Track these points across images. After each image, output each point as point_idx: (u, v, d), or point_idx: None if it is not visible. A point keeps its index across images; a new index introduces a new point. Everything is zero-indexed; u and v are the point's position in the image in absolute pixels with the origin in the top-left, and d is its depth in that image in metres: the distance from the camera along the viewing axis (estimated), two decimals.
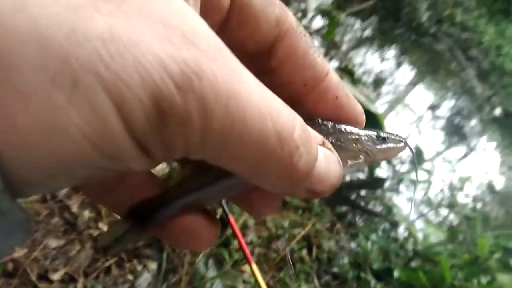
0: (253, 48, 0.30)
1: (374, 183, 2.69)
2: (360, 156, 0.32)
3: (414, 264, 2.44)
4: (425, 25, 6.17)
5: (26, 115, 0.16)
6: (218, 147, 0.20)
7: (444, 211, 3.30)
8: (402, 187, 3.15)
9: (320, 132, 0.27)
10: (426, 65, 5.76)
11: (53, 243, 1.58)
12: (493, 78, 6.36)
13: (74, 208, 1.70)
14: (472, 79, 5.95)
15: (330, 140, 0.30)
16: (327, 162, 0.25)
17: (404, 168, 3.22)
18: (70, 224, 1.67)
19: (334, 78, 0.31)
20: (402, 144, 0.33)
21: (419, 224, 2.94)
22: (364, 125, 0.33)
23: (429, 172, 3.04)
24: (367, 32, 5.14)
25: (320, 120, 0.32)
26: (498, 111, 5.69)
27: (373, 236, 2.52)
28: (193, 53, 0.18)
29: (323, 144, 0.26)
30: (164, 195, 0.30)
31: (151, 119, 0.18)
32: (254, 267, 1.12)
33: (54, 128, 0.17)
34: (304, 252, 2.27)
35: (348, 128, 0.32)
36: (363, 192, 2.94)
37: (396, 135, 0.34)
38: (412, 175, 3.11)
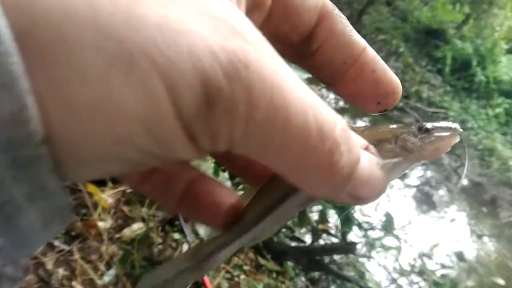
0: (296, 39, 0.30)
1: (346, 247, 2.74)
2: (405, 156, 0.28)
3: None
4: None
5: (83, 93, 0.17)
6: (260, 139, 0.20)
7: (415, 278, 3.34)
8: (374, 253, 3.21)
9: (368, 139, 0.27)
10: None
11: None
12: (459, 150, 6.67)
13: (49, 265, 1.71)
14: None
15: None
16: (370, 166, 0.24)
17: (375, 234, 3.29)
18: (44, 281, 1.66)
19: (370, 52, 0.31)
20: (451, 132, 0.28)
21: None
22: (399, 97, 0.32)
23: (399, 239, 3.12)
24: (341, 103, 5.42)
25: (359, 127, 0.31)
26: (465, 182, 5.90)
27: None
28: (241, 43, 0.19)
29: (366, 148, 0.25)
30: (224, 234, 0.30)
31: (199, 103, 0.18)
32: None
33: (109, 106, 0.17)
34: None
35: (384, 127, 0.31)
36: (336, 257, 2.98)
37: (443, 123, 0.30)
38: (384, 241, 3.18)
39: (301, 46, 0.31)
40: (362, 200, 0.25)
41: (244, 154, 0.22)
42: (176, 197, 0.33)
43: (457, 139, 0.29)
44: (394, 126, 0.31)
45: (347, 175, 0.23)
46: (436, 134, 0.29)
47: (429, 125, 0.29)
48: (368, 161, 0.24)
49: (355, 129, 0.28)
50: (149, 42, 0.17)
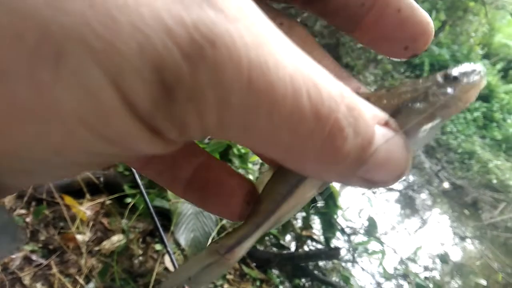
0: None
1: (330, 253, 2.75)
2: (437, 114, 0.24)
3: None
4: None
5: (5, 96, 0.14)
6: (241, 126, 0.17)
7: (400, 282, 3.36)
8: (358, 258, 3.23)
9: (385, 107, 0.23)
10: None
11: None
12: (439, 154, 6.79)
13: (26, 280, 1.67)
14: (420, 155, 6.33)
15: (397, 116, 0.23)
16: (388, 147, 0.21)
17: (359, 238, 3.31)
18: None
19: None
20: (479, 74, 0.25)
21: None
22: (432, 36, 0.28)
23: (382, 244, 3.14)
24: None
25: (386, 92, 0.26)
26: (446, 185, 5.99)
27: None
28: (207, 12, 0.15)
29: (386, 124, 0.21)
30: (244, 225, 0.29)
31: (155, 95, 0.15)
32: None
33: (40, 109, 0.14)
34: None
35: (405, 86, 0.26)
36: (320, 263, 2.99)
37: (466, 66, 0.26)
38: (368, 245, 3.20)
39: None
40: (379, 184, 0.22)
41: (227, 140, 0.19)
42: (183, 183, 0.30)
43: (485, 81, 0.25)
44: (414, 82, 0.26)
45: (355, 160, 0.20)
46: (465, 80, 0.25)
47: (455, 71, 0.25)
48: (385, 140, 0.21)
49: (371, 96, 0.25)
50: (78, 23, 0.13)
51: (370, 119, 0.20)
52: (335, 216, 2.86)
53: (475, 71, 0.25)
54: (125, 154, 0.18)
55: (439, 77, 0.25)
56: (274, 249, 2.85)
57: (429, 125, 0.24)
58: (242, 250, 0.29)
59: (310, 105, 0.17)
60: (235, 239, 0.29)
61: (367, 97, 0.23)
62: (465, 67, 0.25)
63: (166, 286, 0.31)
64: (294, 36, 0.26)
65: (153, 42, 0.14)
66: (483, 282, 3.99)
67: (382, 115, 0.21)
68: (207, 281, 0.30)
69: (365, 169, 0.20)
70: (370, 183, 0.21)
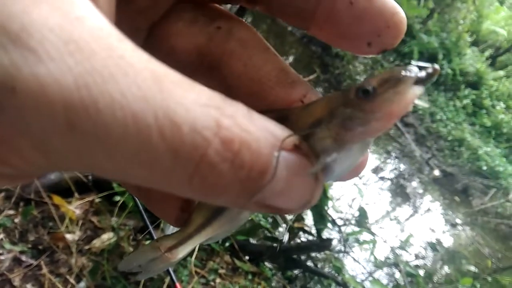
0: None
1: (322, 244, 2.76)
2: (349, 138, 0.21)
3: None
4: None
5: None
6: (83, 165, 0.16)
7: (391, 270, 3.40)
8: (349, 248, 3.26)
9: (301, 126, 0.20)
10: None
11: None
12: (430, 142, 6.83)
13: (16, 282, 1.66)
14: (410, 143, 6.37)
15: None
16: (289, 172, 0.19)
17: (351, 229, 3.33)
18: None
19: None
20: (404, 81, 0.19)
21: (369, 284, 3.01)
22: (403, 28, 0.24)
23: (373, 233, 3.17)
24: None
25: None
26: (437, 172, 6.05)
27: None
28: (10, 55, 0.14)
29: (295, 148, 0.19)
30: (181, 231, 0.29)
31: None
32: None
33: None
34: None
35: (321, 100, 0.23)
36: (312, 254, 3.01)
37: (390, 72, 0.20)
38: (359, 236, 3.23)
39: None
40: (284, 211, 0.20)
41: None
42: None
43: (420, 90, 0.19)
44: (332, 94, 0.22)
45: (244, 191, 0.18)
46: (382, 94, 0.20)
47: (368, 84, 0.20)
48: (285, 166, 0.18)
49: (292, 114, 0.23)
50: None
51: (265, 146, 0.18)
52: (326, 208, 2.87)
53: (399, 79, 0.19)
54: None
55: (351, 91, 0.21)
56: (267, 242, 2.87)
57: (344, 150, 0.21)
58: (182, 251, 0.29)
59: (163, 144, 0.16)
60: (174, 241, 0.29)
61: (287, 115, 0.22)
62: (386, 75, 0.20)
63: (120, 268, 0.32)
64: (233, 40, 0.26)
65: None
66: (473, 268, 4.05)
67: (290, 139, 0.19)
68: (155, 272, 0.31)
69: (262, 197, 0.19)
70: (272, 210, 0.20)
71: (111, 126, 0.15)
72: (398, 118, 0.20)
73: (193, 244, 0.29)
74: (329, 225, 3.03)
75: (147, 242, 2.05)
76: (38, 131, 0.15)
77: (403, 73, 0.20)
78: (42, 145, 0.15)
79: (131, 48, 0.16)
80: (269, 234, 2.88)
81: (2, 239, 1.78)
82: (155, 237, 1.48)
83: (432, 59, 8.31)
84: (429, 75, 0.20)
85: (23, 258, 1.77)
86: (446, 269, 4.16)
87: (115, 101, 0.15)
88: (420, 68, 0.20)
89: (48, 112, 0.14)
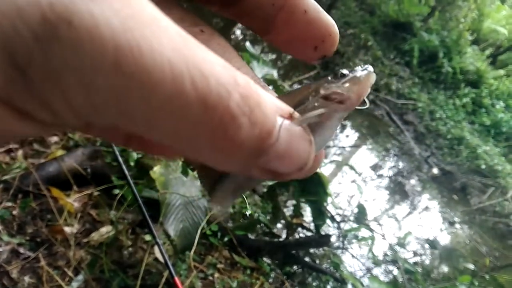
0: None
1: (320, 240, 2.77)
2: (330, 106, 0.26)
3: None
4: None
5: None
6: (116, 109, 0.17)
7: (389, 267, 3.41)
8: (348, 245, 3.26)
9: (290, 104, 0.23)
10: (367, 128, 6.14)
11: None
12: (429, 140, 6.84)
13: (14, 274, 1.65)
14: (409, 141, 6.37)
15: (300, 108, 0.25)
16: (289, 137, 0.21)
17: (348, 225, 3.34)
18: None
19: None
20: (367, 71, 0.28)
21: (367, 281, 3.02)
22: (337, 41, 0.30)
23: (372, 230, 3.17)
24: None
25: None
26: (435, 171, 6.05)
27: None
28: None
29: (290, 117, 0.21)
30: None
31: (8, 76, 0.15)
32: None
33: None
34: None
35: (304, 86, 0.29)
36: (311, 250, 3.01)
37: (356, 68, 0.28)
38: (358, 232, 3.23)
39: None
40: (282, 176, 0.22)
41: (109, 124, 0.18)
42: (123, 135, 0.31)
43: (374, 77, 0.27)
44: (309, 83, 0.29)
45: (254, 150, 0.19)
46: (353, 75, 0.27)
47: (344, 70, 0.28)
48: (286, 131, 0.21)
49: (278, 96, 0.26)
50: None
51: (270, 110, 0.20)
52: (325, 204, 2.87)
53: (364, 69, 0.27)
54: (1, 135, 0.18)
55: (330, 75, 0.27)
56: (265, 237, 2.87)
57: (326, 119, 0.26)
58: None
59: (195, 91, 0.17)
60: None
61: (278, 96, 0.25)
62: (355, 68, 0.28)
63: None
64: (214, 43, 0.29)
65: (2, 24, 0.14)
66: (471, 266, 4.06)
67: (286, 108, 0.22)
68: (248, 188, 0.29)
69: (265, 160, 0.20)
70: (273, 174, 0.21)
71: (151, 69, 0.16)
72: (364, 96, 0.27)
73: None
74: (328, 221, 3.03)
75: (146, 236, 2.05)
76: (87, 67, 0.15)
77: (365, 67, 0.28)
78: (88, 83, 0.16)
79: (156, 8, 0.17)
80: (268, 230, 2.88)
81: (0, 231, 1.77)
82: (154, 231, 1.48)
83: (432, 57, 8.31)
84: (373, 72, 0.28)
85: (21, 250, 1.77)
86: (444, 267, 4.17)
87: (153, 46, 0.16)
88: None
89: (100, 48, 0.15)
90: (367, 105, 0.28)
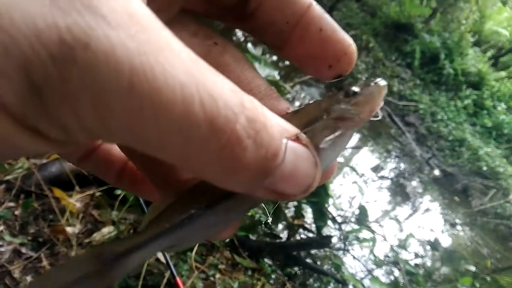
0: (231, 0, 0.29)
1: (322, 241, 2.77)
2: (343, 125, 0.26)
3: None
4: None
5: None
6: (128, 129, 0.17)
7: (391, 268, 3.41)
8: (349, 246, 3.26)
9: (297, 124, 0.23)
10: (368, 130, 6.13)
11: None
12: (430, 141, 6.83)
13: (16, 274, 1.66)
14: (411, 142, 6.36)
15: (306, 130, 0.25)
16: (296, 159, 0.21)
17: (349, 227, 3.33)
18: None
19: (317, 9, 0.29)
20: (378, 86, 0.27)
21: (368, 282, 3.01)
22: (354, 61, 0.30)
23: (373, 232, 3.17)
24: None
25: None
26: (437, 172, 6.04)
27: None
28: (84, 18, 0.16)
29: (296, 139, 0.22)
30: (139, 234, 0.25)
31: (23, 93, 0.16)
32: None
33: None
34: None
35: (311, 105, 0.28)
36: (312, 251, 3.01)
37: (365, 82, 0.28)
38: (359, 233, 3.23)
39: (239, 6, 0.29)
40: (287, 197, 0.22)
41: (121, 144, 0.20)
42: (114, 173, 0.34)
43: (386, 90, 0.27)
44: (319, 100, 0.28)
45: (259, 171, 0.20)
46: (365, 92, 0.27)
47: (354, 88, 0.27)
48: (292, 153, 0.21)
49: (285, 115, 0.26)
50: None
51: (276, 132, 0.21)
52: (327, 205, 2.87)
53: (374, 84, 0.27)
54: (8, 152, 0.18)
55: (340, 94, 0.27)
56: (267, 238, 2.87)
57: (337, 137, 0.26)
58: (129, 265, 0.25)
59: (203, 113, 0.17)
60: (124, 247, 0.25)
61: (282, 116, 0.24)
62: (363, 82, 0.27)
63: None
64: (227, 55, 0.30)
65: (19, 43, 0.15)
66: (472, 268, 4.05)
67: (293, 130, 0.22)
68: None
69: (271, 181, 0.21)
70: (278, 195, 0.22)
71: (163, 91, 0.17)
72: (375, 110, 0.27)
73: (148, 253, 0.25)
74: (329, 222, 3.03)
75: None
76: (102, 88, 0.16)
77: (375, 80, 0.27)
78: (102, 103, 0.16)
79: (170, 33, 0.18)
80: (269, 231, 2.88)
81: (2, 231, 1.78)
82: None
83: (433, 58, 8.30)
84: (387, 85, 0.28)
85: (23, 250, 1.77)
86: (445, 268, 4.16)
87: (166, 70, 0.17)
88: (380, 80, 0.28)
89: (115, 70, 0.16)
90: (380, 117, 0.28)
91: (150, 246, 0.25)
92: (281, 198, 0.22)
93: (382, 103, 0.27)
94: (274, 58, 5.60)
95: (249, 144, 0.19)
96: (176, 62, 0.17)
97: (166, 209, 0.27)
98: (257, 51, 2.87)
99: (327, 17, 0.29)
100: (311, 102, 0.29)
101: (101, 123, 0.17)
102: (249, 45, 2.85)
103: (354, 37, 7.53)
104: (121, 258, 0.24)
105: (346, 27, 7.59)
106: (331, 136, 0.25)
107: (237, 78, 0.29)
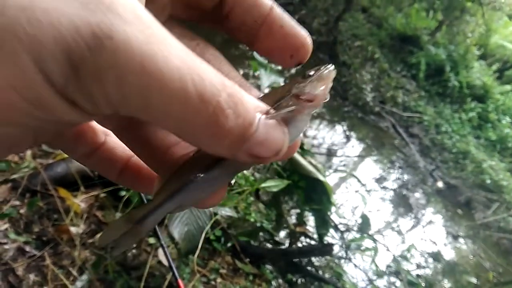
0: (209, 5, 0.35)
1: (323, 249, 2.76)
2: (301, 103, 0.31)
3: None
4: (370, 104, 6.70)
5: None
6: (140, 99, 0.23)
7: (391, 279, 3.39)
8: (351, 255, 3.25)
9: (268, 102, 0.29)
10: (373, 140, 6.13)
11: None
12: (434, 153, 6.82)
13: (20, 271, 1.67)
14: (415, 154, 6.35)
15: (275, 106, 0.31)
16: (267, 127, 0.27)
17: (351, 235, 3.33)
18: None
19: (277, 11, 0.35)
20: (328, 69, 0.33)
21: None
22: (310, 50, 0.36)
23: (375, 241, 3.16)
24: (318, 109, 5.48)
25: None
26: (440, 184, 6.02)
27: None
28: (108, 16, 0.21)
29: (267, 113, 0.27)
30: (151, 201, 0.33)
31: (65, 71, 0.21)
32: None
33: None
34: None
35: (278, 87, 0.34)
36: (314, 259, 3.00)
37: (319, 67, 0.34)
38: (361, 243, 3.22)
39: (215, 11, 0.35)
40: (263, 159, 0.27)
41: (133, 115, 0.24)
42: (116, 170, 0.38)
43: (334, 74, 0.33)
44: (285, 84, 0.34)
45: (239, 136, 0.25)
46: (318, 74, 0.32)
47: (309, 71, 0.33)
48: (264, 123, 0.27)
49: (259, 97, 0.33)
50: (12, 22, 0.20)
51: (251, 106, 0.26)
52: (329, 213, 2.87)
53: (326, 69, 0.33)
54: (53, 118, 0.23)
55: (299, 77, 0.33)
56: (268, 245, 2.87)
57: (298, 114, 0.31)
58: (151, 222, 0.33)
59: (195, 89, 0.23)
60: (144, 211, 0.33)
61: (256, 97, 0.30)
62: (318, 68, 0.33)
63: (99, 244, 0.34)
64: (208, 53, 0.38)
65: (64, 35, 0.21)
66: (474, 280, 4.02)
67: (263, 106, 0.27)
68: (127, 246, 0.35)
69: (249, 145, 0.26)
70: (255, 158, 0.27)
71: (164, 71, 0.22)
72: (327, 91, 0.32)
73: (162, 214, 0.33)
74: (331, 231, 3.03)
75: (150, 238, 2.06)
76: (122, 67, 0.22)
77: (326, 66, 0.33)
78: (122, 78, 0.22)
79: (166, 30, 0.24)
80: (270, 237, 2.88)
81: (7, 229, 1.79)
82: (159, 234, 1.50)
83: (439, 71, 8.31)
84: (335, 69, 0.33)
85: (27, 248, 1.79)
86: (447, 280, 4.13)
87: (165, 56, 0.22)
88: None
89: (131, 55, 0.21)
90: (328, 98, 0.33)
91: (159, 210, 0.32)
92: (258, 161, 0.27)
93: (331, 84, 0.32)
94: (279, 66, 5.62)
95: (230, 114, 0.24)
96: (173, 51, 0.23)
97: (167, 181, 0.33)
98: (263, 59, 2.90)
99: (286, 16, 0.35)
100: (278, 87, 0.35)
101: (121, 95, 0.22)
102: (255, 52, 2.88)
103: (360, 48, 7.58)
104: (141, 220, 0.33)
105: (352, 37, 7.63)
106: (292, 108, 0.30)
107: (217, 70, 0.36)
